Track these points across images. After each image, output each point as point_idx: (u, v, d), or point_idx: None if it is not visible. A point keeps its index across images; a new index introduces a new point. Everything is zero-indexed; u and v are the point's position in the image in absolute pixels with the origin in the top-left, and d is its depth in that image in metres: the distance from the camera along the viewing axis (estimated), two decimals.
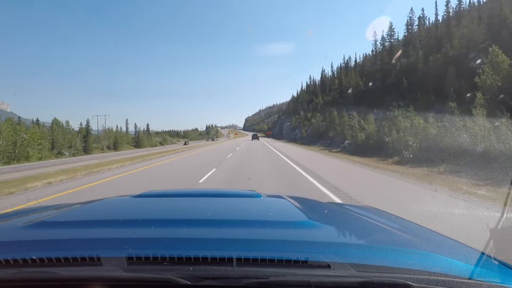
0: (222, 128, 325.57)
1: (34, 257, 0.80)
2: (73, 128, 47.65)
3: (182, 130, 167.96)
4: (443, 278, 0.75)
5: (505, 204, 1.38)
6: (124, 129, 73.88)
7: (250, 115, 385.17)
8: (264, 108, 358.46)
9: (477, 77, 16.67)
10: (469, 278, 0.75)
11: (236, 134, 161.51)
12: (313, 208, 1.67)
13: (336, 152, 24.52)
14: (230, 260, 0.78)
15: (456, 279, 0.75)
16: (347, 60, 65.72)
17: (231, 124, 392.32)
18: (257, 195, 1.67)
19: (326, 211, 1.61)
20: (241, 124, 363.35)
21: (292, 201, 1.59)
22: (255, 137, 72.90)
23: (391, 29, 44.89)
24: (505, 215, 1.32)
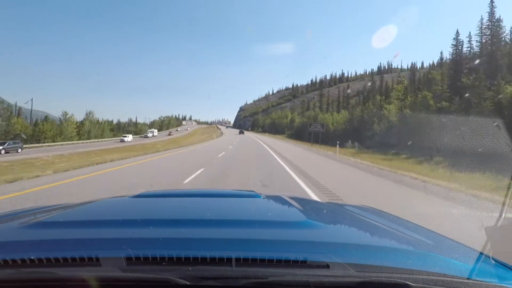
0: (200, 123, 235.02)
1: (32, 258, 0.80)
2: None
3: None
4: (441, 278, 0.75)
5: (503, 204, 1.40)
6: None
7: (248, 102, 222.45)
8: (275, 91, 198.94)
9: None
10: (468, 278, 0.76)
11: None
12: (312, 208, 1.66)
13: None
14: (229, 260, 0.78)
15: (455, 279, 0.75)
16: None
17: (221, 119, 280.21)
18: (256, 195, 1.67)
19: (325, 211, 1.61)
20: (233, 118, 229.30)
21: (291, 201, 1.59)
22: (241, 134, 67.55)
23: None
24: (503, 215, 1.33)
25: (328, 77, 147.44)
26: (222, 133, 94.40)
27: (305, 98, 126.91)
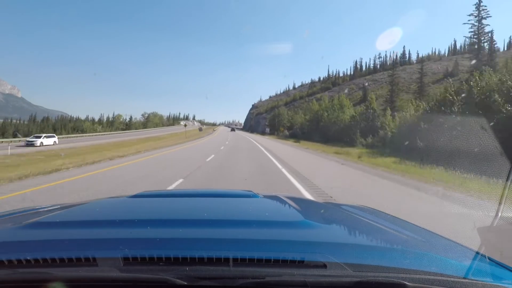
0: (204, 123, 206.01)
1: (29, 258, 0.79)
2: None
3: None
4: (438, 278, 0.75)
5: (499, 204, 1.40)
6: None
7: (263, 98, 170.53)
8: (297, 85, 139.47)
9: None
10: (464, 277, 0.76)
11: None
12: (310, 208, 1.66)
13: None
14: (227, 260, 0.78)
15: (451, 279, 0.75)
16: None
17: (231, 121, 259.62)
18: (254, 195, 1.66)
19: (322, 211, 1.60)
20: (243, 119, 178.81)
21: (288, 201, 1.58)
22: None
23: None
24: (499, 215, 1.31)
25: (376, 61, 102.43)
26: (211, 133, 66.62)
27: (353, 85, 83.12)
